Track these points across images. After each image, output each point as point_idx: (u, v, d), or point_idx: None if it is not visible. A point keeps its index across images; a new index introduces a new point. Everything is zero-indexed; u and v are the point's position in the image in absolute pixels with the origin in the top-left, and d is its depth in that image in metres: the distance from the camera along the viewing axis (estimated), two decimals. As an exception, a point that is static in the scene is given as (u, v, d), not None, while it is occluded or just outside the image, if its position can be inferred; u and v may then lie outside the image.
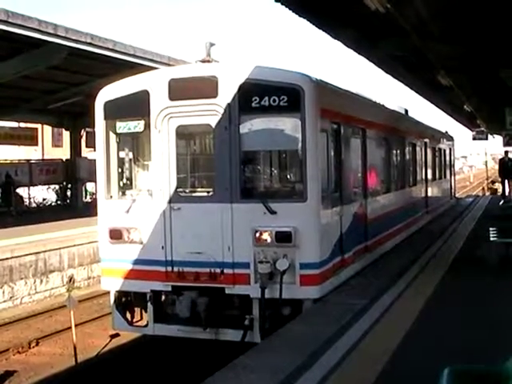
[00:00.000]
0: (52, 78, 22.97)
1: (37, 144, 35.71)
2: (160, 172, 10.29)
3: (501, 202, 27.85)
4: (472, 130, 41.66)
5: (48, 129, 42.61)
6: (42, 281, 17.97)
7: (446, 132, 27.61)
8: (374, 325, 8.33)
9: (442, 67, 16.83)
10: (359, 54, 15.79)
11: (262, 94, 9.63)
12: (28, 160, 33.91)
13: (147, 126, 10.36)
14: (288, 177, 11.10)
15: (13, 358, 12.78)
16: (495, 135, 44.91)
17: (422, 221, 19.68)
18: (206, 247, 9.89)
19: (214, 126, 10.01)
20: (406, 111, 19.19)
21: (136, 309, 11.04)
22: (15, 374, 11.77)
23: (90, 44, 18.67)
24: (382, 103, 15.89)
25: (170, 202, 10.17)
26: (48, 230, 21.08)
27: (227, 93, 9.82)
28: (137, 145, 11.37)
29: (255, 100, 9.68)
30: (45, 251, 18.16)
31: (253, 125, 10.01)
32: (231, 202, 9.78)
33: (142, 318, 11.01)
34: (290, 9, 11.26)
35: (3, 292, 16.70)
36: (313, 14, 11.95)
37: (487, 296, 9.97)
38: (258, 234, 9.62)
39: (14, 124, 34.87)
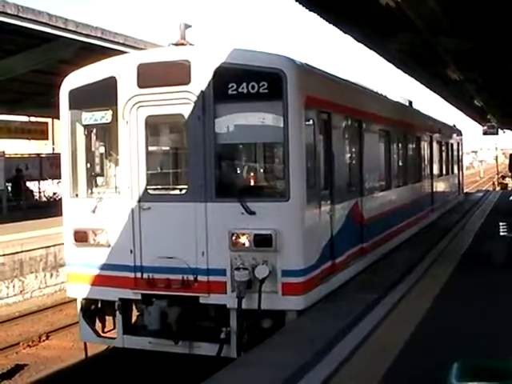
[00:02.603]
0: (63, 72, 22.97)
1: (47, 138, 35.87)
2: (128, 168, 9.29)
3: (511, 197, 27.74)
4: (482, 125, 41.42)
5: (58, 123, 42.68)
6: (52, 275, 18.04)
7: (454, 125, 26.80)
8: (380, 323, 8.13)
9: (452, 61, 16.75)
10: (370, 48, 15.69)
11: (240, 80, 8.59)
12: (38, 154, 34.05)
13: (115, 116, 9.39)
14: (269, 173, 10.04)
15: (23, 351, 12.93)
16: (506, 130, 44.81)
17: (427, 219, 18.74)
18: (178, 251, 8.93)
19: (186, 116, 9.00)
20: (410, 103, 18.33)
21: (107, 318, 10.10)
22: (26, 368, 11.90)
23: (100, 38, 18.73)
24: (382, 93, 14.92)
25: (138, 200, 9.20)
26: (58, 224, 21.09)
27: (201, 79, 8.81)
28: (109, 138, 10.26)
29: (232, 87, 8.64)
30: (55, 245, 18.22)
31: (229, 115, 9.01)
32: (205, 201, 8.79)
33: (115, 328, 10.01)
34: (301, 3, 11.22)
35: (14, 286, 16.80)
36: (324, 9, 11.85)
37: (497, 295, 9.56)
38: (234, 237, 8.60)
39: (25, 118, 34.95)
